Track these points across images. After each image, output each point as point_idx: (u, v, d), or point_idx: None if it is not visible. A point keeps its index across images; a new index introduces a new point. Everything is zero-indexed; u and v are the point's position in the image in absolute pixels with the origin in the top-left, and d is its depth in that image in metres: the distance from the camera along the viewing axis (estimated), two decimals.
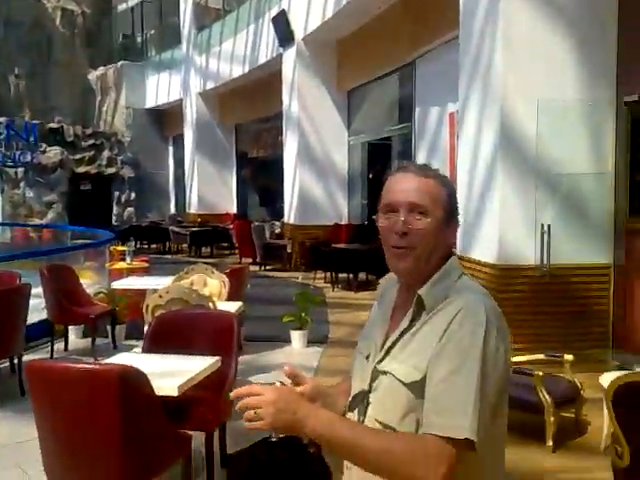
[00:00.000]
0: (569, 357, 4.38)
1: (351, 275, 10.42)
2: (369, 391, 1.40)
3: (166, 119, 22.16)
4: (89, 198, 20.43)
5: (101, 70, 22.88)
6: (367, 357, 1.46)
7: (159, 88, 21.49)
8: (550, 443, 4.06)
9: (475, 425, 1.23)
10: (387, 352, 1.39)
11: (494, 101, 6.14)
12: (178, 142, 21.11)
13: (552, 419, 4.02)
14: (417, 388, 1.30)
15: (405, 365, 1.33)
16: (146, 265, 9.01)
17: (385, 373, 1.37)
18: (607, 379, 3.35)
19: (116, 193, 21.47)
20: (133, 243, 9.57)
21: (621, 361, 5.31)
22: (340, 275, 10.77)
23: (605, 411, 3.39)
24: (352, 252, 10.17)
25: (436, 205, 1.37)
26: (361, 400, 1.42)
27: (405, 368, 1.33)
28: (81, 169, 20.56)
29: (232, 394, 1.33)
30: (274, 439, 1.37)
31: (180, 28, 19.47)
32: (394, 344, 1.38)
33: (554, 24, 6.01)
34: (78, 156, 20.48)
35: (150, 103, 22.19)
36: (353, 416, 1.44)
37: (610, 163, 6.19)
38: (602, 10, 6.02)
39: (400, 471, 1.24)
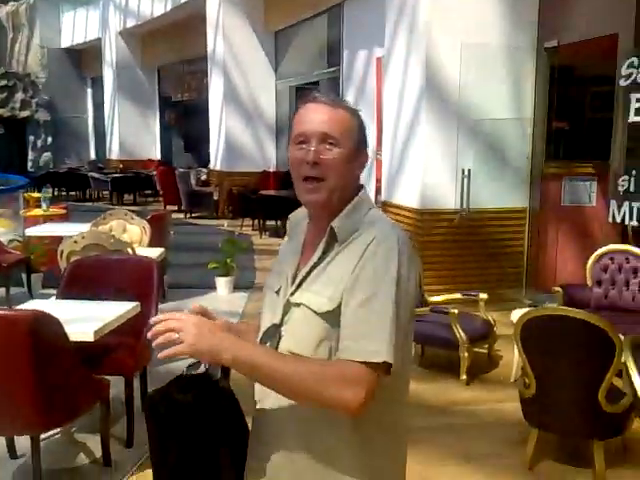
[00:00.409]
0: (484, 296, 4.55)
1: (279, 222, 10.36)
2: (280, 324, 1.40)
3: (84, 59, 20.96)
4: (2, 142, 19.27)
5: (12, 5, 21.26)
6: (277, 291, 1.45)
7: (76, 26, 20.22)
8: (464, 377, 4.25)
9: (391, 349, 1.25)
10: (299, 285, 1.39)
11: (419, 46, 6.13)
12: (97, 84, 20.08)
13: (466, 354, 4.20)
14: (331, 317, 1.32)
15: (318, 296, 1.34)
16: (64, 212, 8.64)
17: (298, 305, 1.37)
18: (517, 315, 3.50)
19: (31, 137, 20.34)
20: (50, 190, 9.12)
21: (533, 299, 5.58)
22: (268, 222, 10.72)
23: (515, 346, 3.55)
24: (280, 199, 10.09)
25: (346, 136, 1.37)
26: (273, 334, 1.41)
27: (319, 299, 1.33)
28: None
29: (151, 320, 1.28)
30: (186, 375, 1.35)
31: None
32: (306, 277, 1.38)
33: None
34: None
35: (66, 42, 20.89)
36: None
37: (529, 109, 6.35)
38: None
39: (322, 394, 1.26)
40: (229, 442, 1.40)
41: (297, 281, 1.39)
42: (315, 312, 1.33)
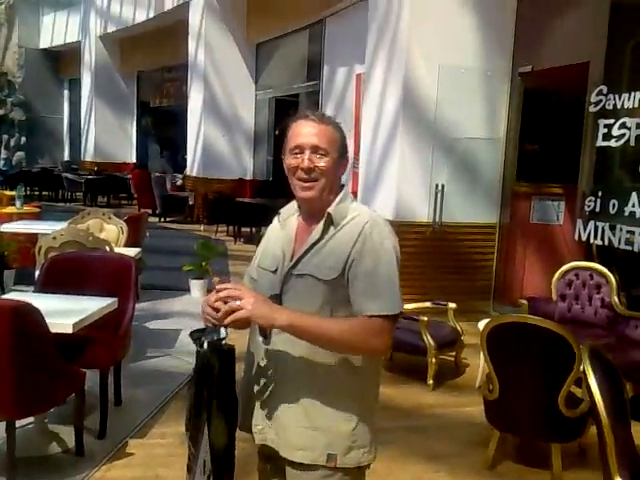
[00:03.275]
0: (452, 305, 4.71)
1: (254, 229, 10.42)
2: (280, 294, 1.69)
3: (62, 61, 20.86)
4: None
5: None
6: (274, 271, 1.73)
7: (55, 28, 20.15)
8: (431, 382, 4.39)
9: (400, 301, 1.64)
10: (298, 261, 1.68)
11: (399, 65, 6.31)
12: (74, 86, 20.01)
13: (433, 360, 4.34)
14: (333, 284, 1.63)
15: (321, 267, 1.65)
16: (37, 210, 8.59)
17: (302, 276, 1.66)
18: (483, 324, 3.65)
19: (5, 136, 20.11)
20: (22, 188, 9.06)
21: (500, 312, 5.75)
22: (243, 229, 10.79)
23: (481, 353, 3.70)
24: (256, 206, 10.18)
25: (333, 147, 1.69)
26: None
27: (322, 269, 1.64)
28: None
29: (217, 286, 1.58)
30: (212, 342, 1.60)
31: None
32: (305, 253, 1.68)
33: None
34: None
35: (45, 43, 20.79)
36: None
37: (502, 130, 6.58)
38: None
39: (357, 345, 1.60)
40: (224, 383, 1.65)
41: (296, 257, 1.69)
42: (321, 280, 1.63)
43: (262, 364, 1.73)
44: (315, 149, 1.66)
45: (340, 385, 1.66)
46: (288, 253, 1.72)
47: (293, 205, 1.80)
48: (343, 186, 1.76)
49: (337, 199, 1.71)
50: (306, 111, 1.71)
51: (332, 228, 1.68)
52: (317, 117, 1.69)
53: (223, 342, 1.60)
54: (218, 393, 1.61)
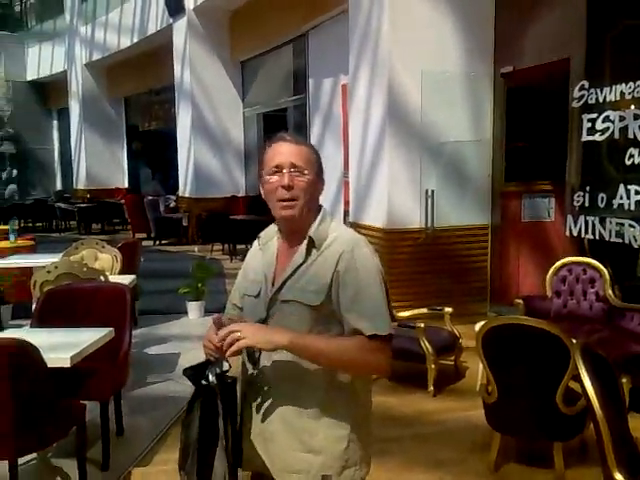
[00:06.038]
0: (449, 309, 4.72)
1: (249, 246, 10.41)
2: (266, 319, 1.71)
3: (50, 91, 20.95)
4: None
5: None
6: (257, 295, 1.76)
7: (41, 59, 20.27)
8: (431, 388, 4.39)
9: (389, 322, 1.67)
10: (283, 284, 1.70)
11: (382, 74, 6.35)
12: (63, 115, 20.07)
13: (433, 366, 4.35)
14: (319, 309, 1.66)
15: (306, 292, 1.67)
16: (32, 243, 8.60)
17: (287, 302, 1.69)
18: (479, 326, 3.66)
19: None
20: (16, 221, 9.08)
21: (497, 312, 5.75)
22: (238, 247, 10.81)
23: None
24: (250, 222, 10.18)
25: (310, 166, 1.73)
26: None
27: (307, 294, 1.67)
28: None
29: (220, 333, 1.62)
30: (217, 373, 1.67)
31: None
32: (290, 276, 1.70)
33: (437, 1, 6.29)
34: None
35: (32, 75, 20.90)
36: None
37: (488, 131, 6.61)
38: None
39: (355, 362, 1.64)
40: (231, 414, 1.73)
41: (281, 280, 1.71)
42: (308, 305, 1.66)
43: (251, 391, 1.76)
44: (293, 166, 1.69)
45: (330, 406, 1.69)
46: (270, 276, 1.75)
47: (273, 228, 1.83)
48: (321, 207, 1.79)
49: (317, 221, 1.74)
50: (281, 133, 1.76)
51: (314, 251, 1.71)
52: (293, 138, 1.74)
53: (226, 374, 1.66)
54: (232, 425, 1.68)
